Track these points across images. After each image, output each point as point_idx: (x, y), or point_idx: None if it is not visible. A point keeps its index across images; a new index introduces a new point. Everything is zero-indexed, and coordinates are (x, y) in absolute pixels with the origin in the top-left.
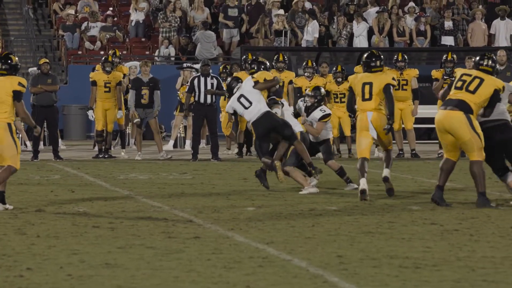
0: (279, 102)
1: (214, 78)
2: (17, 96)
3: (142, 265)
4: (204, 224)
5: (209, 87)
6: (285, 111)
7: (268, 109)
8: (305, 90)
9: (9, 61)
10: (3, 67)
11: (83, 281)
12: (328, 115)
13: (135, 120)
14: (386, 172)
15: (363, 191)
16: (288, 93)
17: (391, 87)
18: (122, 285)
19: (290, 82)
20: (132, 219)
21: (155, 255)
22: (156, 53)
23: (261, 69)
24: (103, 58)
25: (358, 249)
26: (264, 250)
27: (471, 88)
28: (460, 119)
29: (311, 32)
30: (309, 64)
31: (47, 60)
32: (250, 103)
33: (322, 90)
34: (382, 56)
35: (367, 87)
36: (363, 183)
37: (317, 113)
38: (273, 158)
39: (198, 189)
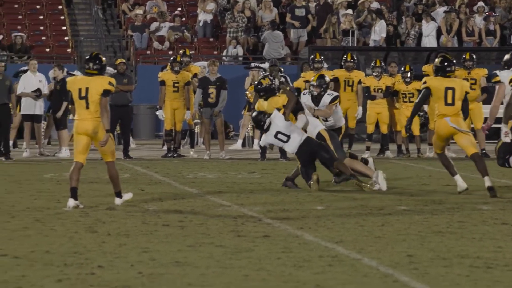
0: (302, 108)
1: (282, 78)
2: (105, 93)
3: (212, 264)
4: (273, 223)
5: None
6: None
7: (306, 135)
8: (373, 89)
9: (100, 61)
10: (95, 67)
11: (153, 279)
12: (337, 97)
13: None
14: (487, 181)
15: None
16: (357, 92)
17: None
18: (192, 283)
19: (359, 82)
20: (201, 217)
21: (224, 253)
22: (224, 53)
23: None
24: (172, 58)
25: (429, 248)
26: (334, 249)
27: None
28: None
29: (378, 31)
30: (378, 63)
31: (124, 60)
32: (288, 136)
33: (326, 78)
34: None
35: (450, 92)
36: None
37: (326, 98)
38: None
39: (267, 188)
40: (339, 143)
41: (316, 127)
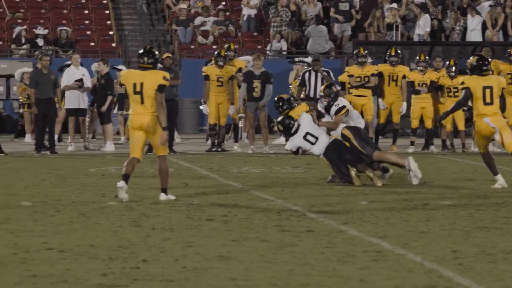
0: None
1: (325, 73)
2: (160, 89)
3: (256, 258)
4: (318, 217)
5: (319, 81)
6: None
7: (333, 138)
8: (418, 84)
9: (154, 55)
10: (149, 61)
11: (198, 273)
12: (342, 107)
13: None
14: None
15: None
16: (402, 87)
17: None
18: (236, 278)
19: (404, 76)
20: (245, 212)
21: (269, 248)
22: (268, 48)
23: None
24: (216, 53)
25: (473, 244)
26: (378, 244)
27: None
28: None
29: (422, 26)
30: (422, 58)
31: (170, 55)
32: (317, 138)
33: (334, 87)
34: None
35: (488, 91)
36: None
37: (333, 109)
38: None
39: (311, 183)
40: (364, 138)
41: (339, 126)
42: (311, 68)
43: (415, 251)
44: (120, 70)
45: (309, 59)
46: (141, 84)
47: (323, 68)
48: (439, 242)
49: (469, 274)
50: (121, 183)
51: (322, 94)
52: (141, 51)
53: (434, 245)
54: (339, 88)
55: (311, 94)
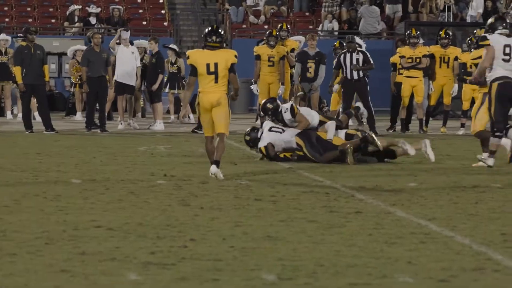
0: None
1: (360, 53)
2: (233, 68)
3: (303, 239)
4: (366, 199)
5: (354, 62)
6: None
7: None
8: (470, 66)
9: (221, 34)
10: (218, 39)
11: (245, 253)
12: (291, 107)
13: (299, 93)
14: None
15: None
16: (454, 69)
17: None
18: (284, 257)
19: (456, 58)
20: (293, 192)
21: (317, 228)
22: (320, 28)
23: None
24: (268, 32)
25: None
26: (426, 226)
27: None
28: None
29: (475, 7)
30: (473, 40)
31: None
32: (282, 129)
33: (272, 104)
34: None
35: None
36: None
37: (286, 115)
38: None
39: (360, 164)
40: (315, 144)
41: (314, 117)
42: (345, 50)
43: (464, 234)
44: (173, 49)
45: (359, 40)
46: (215, 64)
47: (359, 49)
48: (488, 225)
49: None
50: (213, 168)
51: (268, 112)
52: (209, 29)
53: (483, 228)
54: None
55: (348, 76)
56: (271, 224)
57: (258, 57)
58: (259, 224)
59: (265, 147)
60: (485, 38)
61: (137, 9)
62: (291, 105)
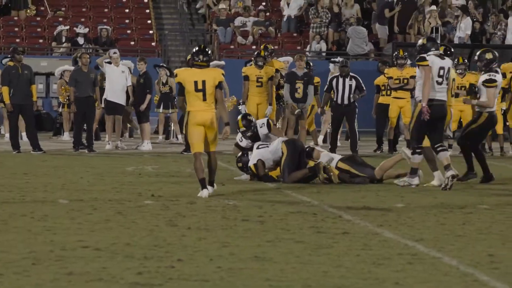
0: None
1: (353, 79)
2: (220, 85)
3: (291, 259)
4: (353, 219)
5: (347, 87)
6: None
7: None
8: (457, 87)
9: (208, 53)
10: (205, 58)
11: (232, 273)
12: (267, 122)
13: (296, 111)
14: None
15: None
16: None
17: None
18: (271, 278)
19: None
20: (281, 213)
21: (304, 249)
22: (308, 48)
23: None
24: (256, 53)
25: (510, 248)
26: (414, 247)
27: None
28: None
29: (463, 28)
30: (461, 61)
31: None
32: (268, 143)
33: (247, 119)
34: None
35: None
36: None
37: (263, 130)
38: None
39: (347, 185)
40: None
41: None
42: (338, 74)
43: (451, 255)
44: (166, 67)
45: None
46: (203, 81)
47: (352, 74)
48: (475, 246)
49: (505, 279)
50: (204, 193)
51: (243, 129)
52: (196, 49)
53: (470, 249)
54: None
55: (339, 101)
56: (258, 245)
57: (246, 78)
58: (247, 245)
59: (255, 165)
60: (424, 59)
61: (125, 29)
62: (267, 120)
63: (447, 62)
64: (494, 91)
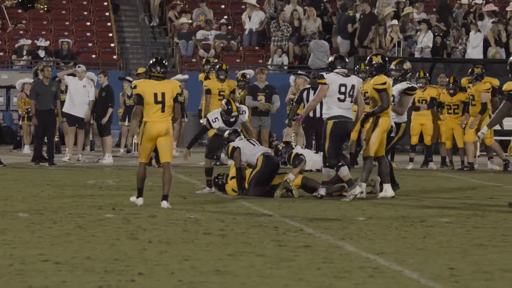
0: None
1: None
2: (177, 98)
3: (252, 273)
4: (315, 233)
5: None
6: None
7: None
8: (418, 101)
9: (166, 65)
10: (162, 70)
11: (193, 287)
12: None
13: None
14: None
15: None
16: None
17: None
18: None
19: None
20: (242, 226)
21: (265, 263)
22: (269, 62)
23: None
24: (218, 66)
25: (470, 261)
26: (375, 261)
27: None
28: None
29: (425, 42)
30: (422, 74)
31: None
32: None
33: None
34: None
35: None
36: None
37: (243, 117)
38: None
39: (309, 199)
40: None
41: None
42: (309, 86)
43: (412, 268)
44: (130, 81)
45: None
46: (162, 94)
47: None
48: (436, 259)
49: None
50: (139, 201)
51: (224, 111)
52: (153, 60)
53: (431, 262)
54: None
55: (310, 114)
56: (219, 258)
57: (208, 91)
58: (208, 258)
59: (234, 148)
60: (322, 77)
61: (86, 42)
62: (248, 110)
63: (351, 80)
64: (410, 100)
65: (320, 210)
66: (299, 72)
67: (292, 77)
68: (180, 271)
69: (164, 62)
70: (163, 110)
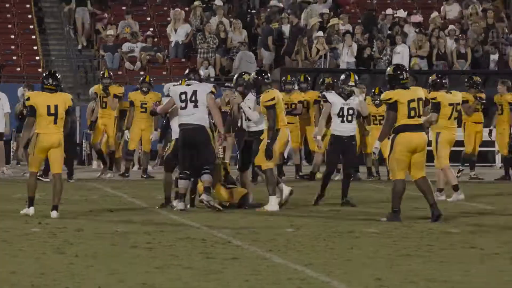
0: None
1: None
2: (69, 110)
3: (179, 286)
4: (243, 245)
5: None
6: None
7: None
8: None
9: (58, 78)
10: (54, 82)
11: None
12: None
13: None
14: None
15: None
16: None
17: None
18: None
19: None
20: (170, 239)
21: (193, 275)
22: None
23: None
24: (141, 79)
25: (397, 271)
26: (303, 272)
27: None
28: None
29: (350, 53)
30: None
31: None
32: None
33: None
34: None
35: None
36: None
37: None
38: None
39: (237, 210)
40: None
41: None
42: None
43: (340, 279)
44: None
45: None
46: (55, 106)
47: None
48: (363, 270)
49: None
50: (31, 211)
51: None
52: (46, 73)
53: (359, 273)
54: None
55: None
56: (146, 271)
57: (132, 103)
58: (135, 272)
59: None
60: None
61: (11, 55)
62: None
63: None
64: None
65: (247, 222)
66: (226, 84)
67: (225, 90)
68: (107, 285)
69: (56, 75)
70: (55, 122)
